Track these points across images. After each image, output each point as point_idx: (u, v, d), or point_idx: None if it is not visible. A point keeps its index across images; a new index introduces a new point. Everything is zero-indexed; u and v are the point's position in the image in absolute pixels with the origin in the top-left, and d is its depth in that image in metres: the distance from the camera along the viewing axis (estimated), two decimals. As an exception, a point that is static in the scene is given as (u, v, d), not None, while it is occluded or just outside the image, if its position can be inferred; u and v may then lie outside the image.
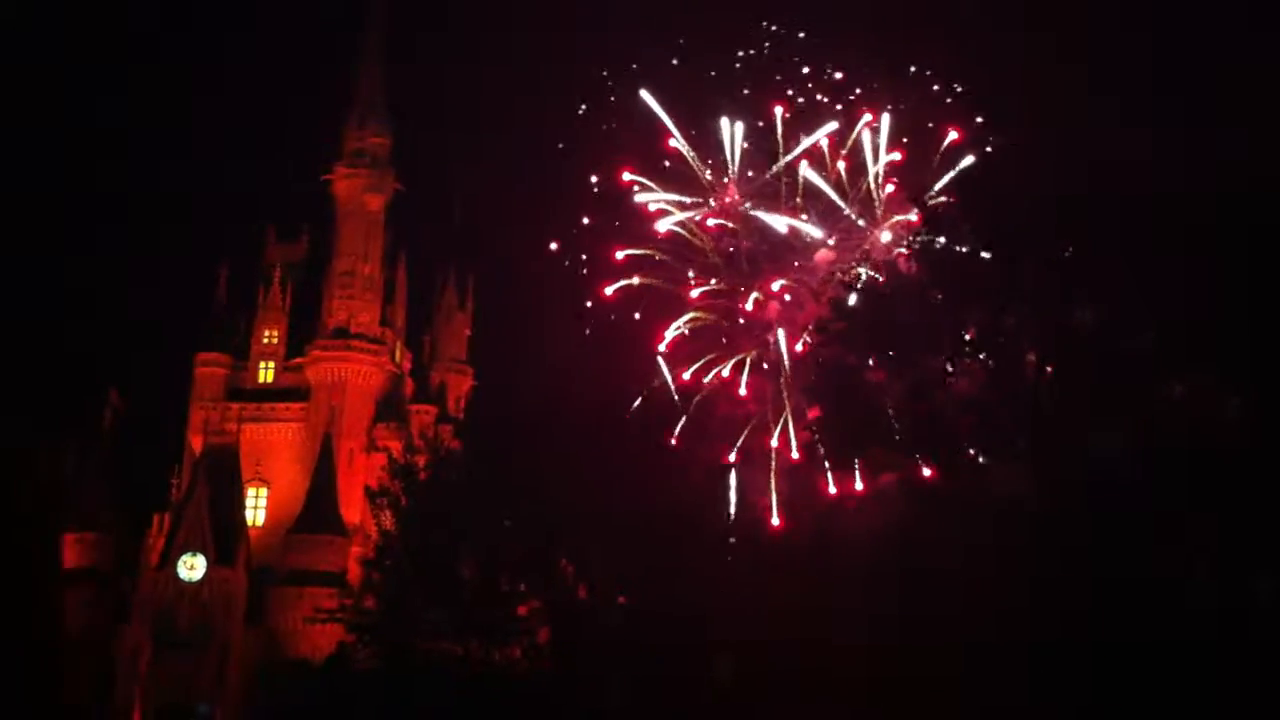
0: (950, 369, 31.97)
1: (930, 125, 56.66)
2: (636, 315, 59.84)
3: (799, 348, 52.20)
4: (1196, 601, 23.49)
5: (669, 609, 40.78)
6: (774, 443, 52.99)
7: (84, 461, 77.50)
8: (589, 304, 62.94)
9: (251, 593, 75.74)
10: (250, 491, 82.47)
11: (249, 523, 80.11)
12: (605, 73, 65.27)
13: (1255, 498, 23.94)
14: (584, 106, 65.34)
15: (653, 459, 47.78)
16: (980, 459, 29.68)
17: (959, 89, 58.62)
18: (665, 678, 39.64)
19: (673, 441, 51.41)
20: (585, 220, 64.17)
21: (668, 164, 61.12)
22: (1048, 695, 24.82)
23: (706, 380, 56.76)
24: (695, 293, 59.91)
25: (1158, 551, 24.41)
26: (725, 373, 57.15)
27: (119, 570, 75.69)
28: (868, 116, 58.37)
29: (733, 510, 48.35)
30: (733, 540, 44.23)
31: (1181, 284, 26.56)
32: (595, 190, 63.61)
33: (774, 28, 63.69)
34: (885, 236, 47.48)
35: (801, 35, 63.11)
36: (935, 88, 59.11)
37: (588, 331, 60.09)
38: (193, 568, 74.47)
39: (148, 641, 71.80)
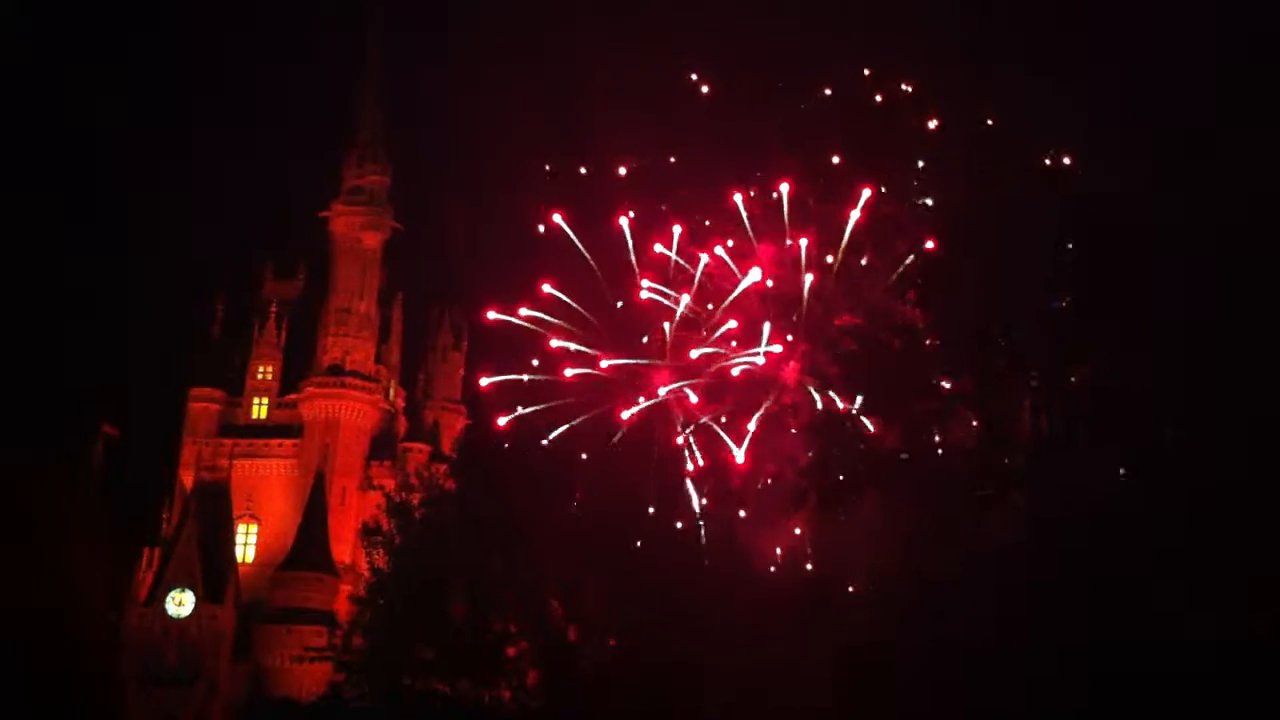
0: (944, 414, 32.15)
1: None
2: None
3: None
4: (1196, 634, 23.52)
5: (660, 652, 40.68)
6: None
7: (74, 493, 77.28)
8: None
9: (240, 630, 75.52)
10: (240, 528, 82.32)
11: (239, 559, 79.93)
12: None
13: (1256, 532, 24.00)
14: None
15: (646, 502, 47.75)
16: (976, 501, 29.78)
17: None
18: (655, 721, 39.49)
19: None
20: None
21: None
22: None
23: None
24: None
25: (1157, 585, 24.46)
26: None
27: (107, 604, 75.36)
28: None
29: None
30: (728, 583, 44.11)
31: (1181, 324, 26.68)
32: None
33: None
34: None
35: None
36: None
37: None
38: (181, 603, 74.24)
39: (133, 676, 71.45)
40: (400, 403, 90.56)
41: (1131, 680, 23.97)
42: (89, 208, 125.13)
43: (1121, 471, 27.20)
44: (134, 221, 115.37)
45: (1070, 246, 30.80)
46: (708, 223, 60.07)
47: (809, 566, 42.92)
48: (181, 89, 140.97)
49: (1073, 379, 30.81)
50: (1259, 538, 23.99)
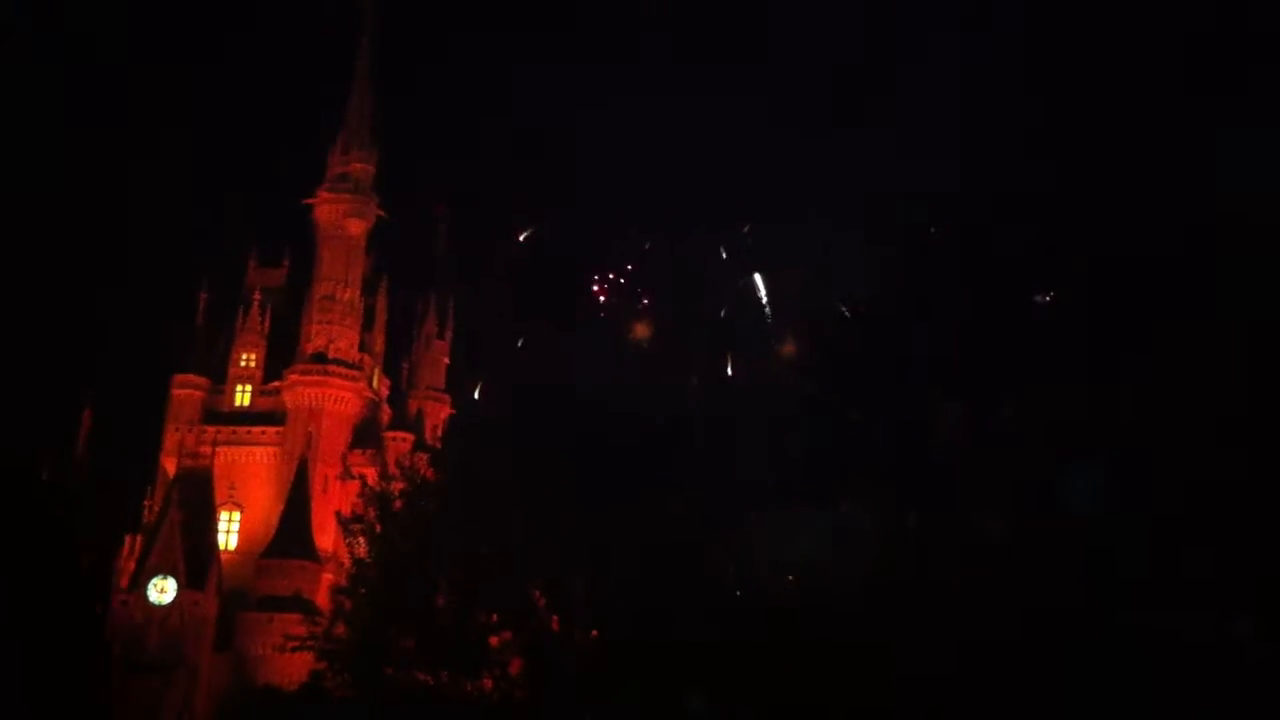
0: (931, 410, 32.11)
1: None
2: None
3: None
4: (1194, 637, 23.52)
5: (643, 642, 40.65)
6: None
7: (56, 480, 76.89)
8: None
9: (222, 618, 75.33)
10: (223, 515, 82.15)
11: (221, 547, 79.71)
12: None
13: (1252, 532, 23.98)
14: None
15: (632, 492, 47.65)
16: (963, 501, 29.74)
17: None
18: (638, 712, 39.45)
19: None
20: None
21: None
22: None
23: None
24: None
25: (1153, 587, 24.45)
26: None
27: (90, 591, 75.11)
28: None
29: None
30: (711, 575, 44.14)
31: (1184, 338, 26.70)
32: None
33: None
34: None
35: None
36: None
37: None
38: (163, 590, 74.01)
39: (115, 664, 71.17)
40: (384, 391, 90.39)
41: (1128, 678, 24.01)
42: (79, 195, 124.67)
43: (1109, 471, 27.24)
44: (120, 208, 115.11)
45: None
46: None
47: (797, 562, 42.95)
48: (168, 79, 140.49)
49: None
50: (1248, 539, 24.01)
